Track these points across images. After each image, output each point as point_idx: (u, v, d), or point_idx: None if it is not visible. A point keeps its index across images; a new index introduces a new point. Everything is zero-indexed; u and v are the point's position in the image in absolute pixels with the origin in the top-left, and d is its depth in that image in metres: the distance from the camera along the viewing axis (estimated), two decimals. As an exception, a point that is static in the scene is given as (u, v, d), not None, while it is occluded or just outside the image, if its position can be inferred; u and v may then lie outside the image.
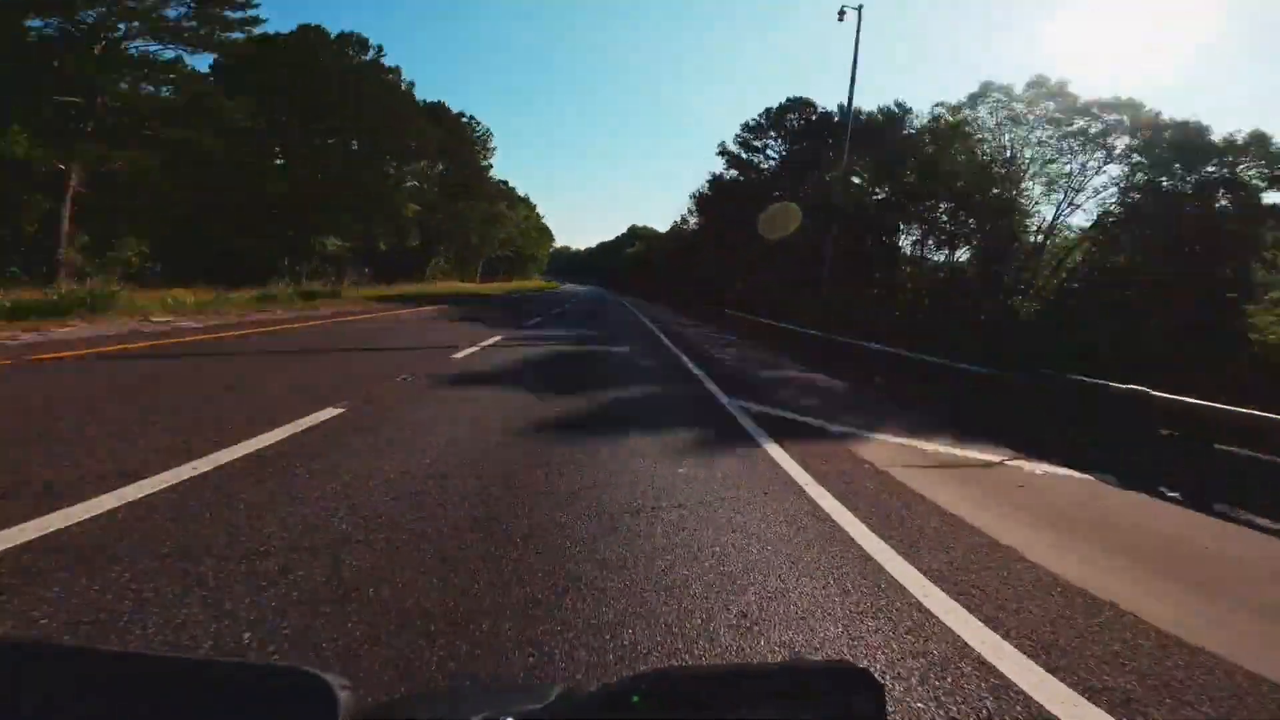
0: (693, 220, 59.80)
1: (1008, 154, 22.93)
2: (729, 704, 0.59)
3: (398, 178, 35.70)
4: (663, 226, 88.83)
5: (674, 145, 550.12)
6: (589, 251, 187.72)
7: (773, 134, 36.53)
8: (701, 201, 44.99)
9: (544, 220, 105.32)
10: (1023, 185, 22.35)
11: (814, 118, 35.64)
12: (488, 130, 54.36)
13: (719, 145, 38.66)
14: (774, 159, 36.90)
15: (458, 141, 47.27)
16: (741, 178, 40.99)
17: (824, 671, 0.75)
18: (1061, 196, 22.11)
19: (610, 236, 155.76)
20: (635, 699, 0.55)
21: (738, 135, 38.03)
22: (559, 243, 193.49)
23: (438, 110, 48.08)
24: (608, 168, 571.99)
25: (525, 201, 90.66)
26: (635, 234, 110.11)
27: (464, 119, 50.64)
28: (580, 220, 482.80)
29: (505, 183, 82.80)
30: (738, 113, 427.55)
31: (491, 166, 56.91)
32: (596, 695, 0.57)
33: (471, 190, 49.94)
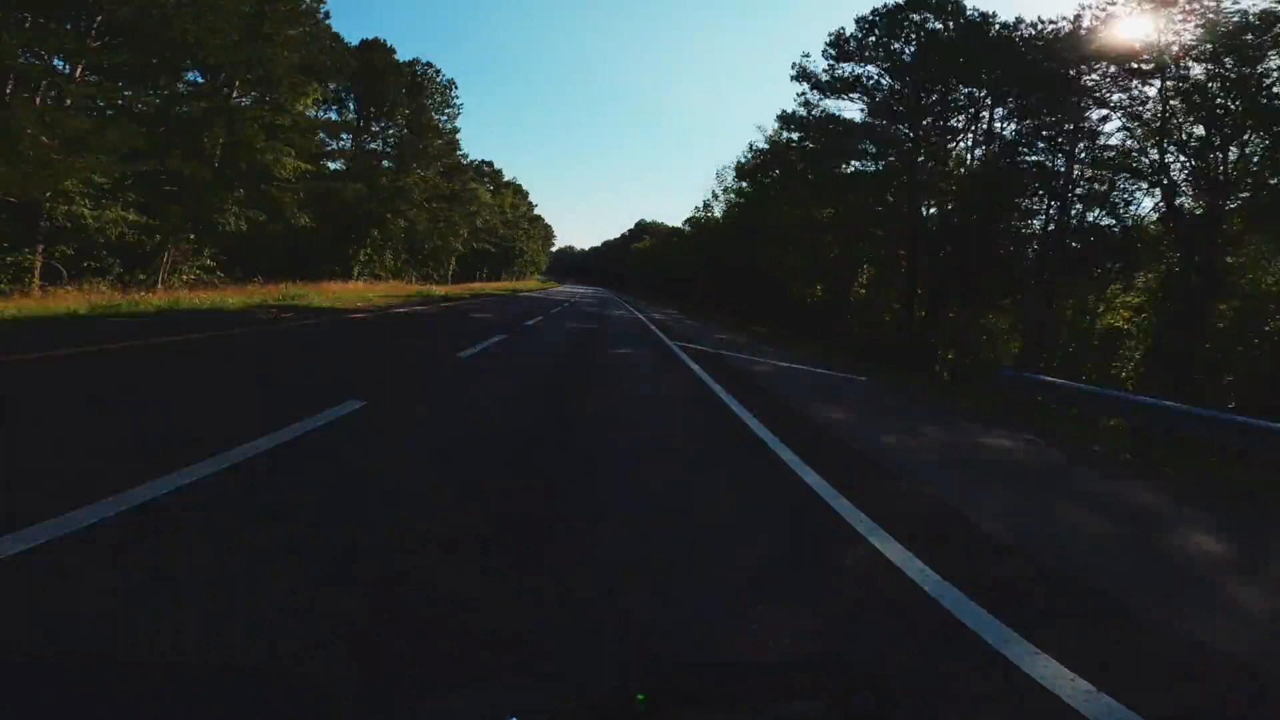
0: (721, 200, 45.82)
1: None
2: (731, 703, 0.60)
3: (257, 113, 21.71)
4: (672, 224, 75.23)
5: (681, 146, 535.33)
6: (593, 251, 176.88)
7: (874, 53, 22.33)
8: (759, 166, 31.57)
9: (537, 211, 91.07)
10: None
11: (947, 28, 21.54)
12: (450, 81, 40.36)
13: (795, 68, 24.48)
14: (877, 93, 22.66)
15: (392, 82, 33.36)
16: (808, 142, 27.05)
17: (824, 670, 0.75)
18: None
19: (615, 234, 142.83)
20: (640, 698, 0.55)
21: (825, 53, 23.85)
22: (562, 243, 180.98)
23: (370, 48, 34.14)
24: (613, 169, 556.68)
25: (515, 187, 76.53)
26: (644, 228, 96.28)
27: (405, 61, 36.72)
28: (586, 222, 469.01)
29: (488, 163, 68.68)
30: (752, 113, 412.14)
31: (458, 131, 42.88)
32: (602, 694, 0.58)
33: (419, 153, 35.92)
